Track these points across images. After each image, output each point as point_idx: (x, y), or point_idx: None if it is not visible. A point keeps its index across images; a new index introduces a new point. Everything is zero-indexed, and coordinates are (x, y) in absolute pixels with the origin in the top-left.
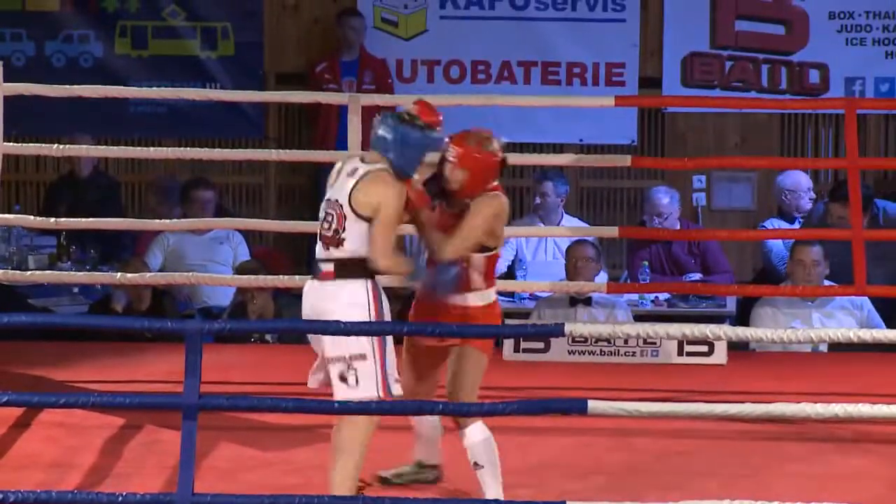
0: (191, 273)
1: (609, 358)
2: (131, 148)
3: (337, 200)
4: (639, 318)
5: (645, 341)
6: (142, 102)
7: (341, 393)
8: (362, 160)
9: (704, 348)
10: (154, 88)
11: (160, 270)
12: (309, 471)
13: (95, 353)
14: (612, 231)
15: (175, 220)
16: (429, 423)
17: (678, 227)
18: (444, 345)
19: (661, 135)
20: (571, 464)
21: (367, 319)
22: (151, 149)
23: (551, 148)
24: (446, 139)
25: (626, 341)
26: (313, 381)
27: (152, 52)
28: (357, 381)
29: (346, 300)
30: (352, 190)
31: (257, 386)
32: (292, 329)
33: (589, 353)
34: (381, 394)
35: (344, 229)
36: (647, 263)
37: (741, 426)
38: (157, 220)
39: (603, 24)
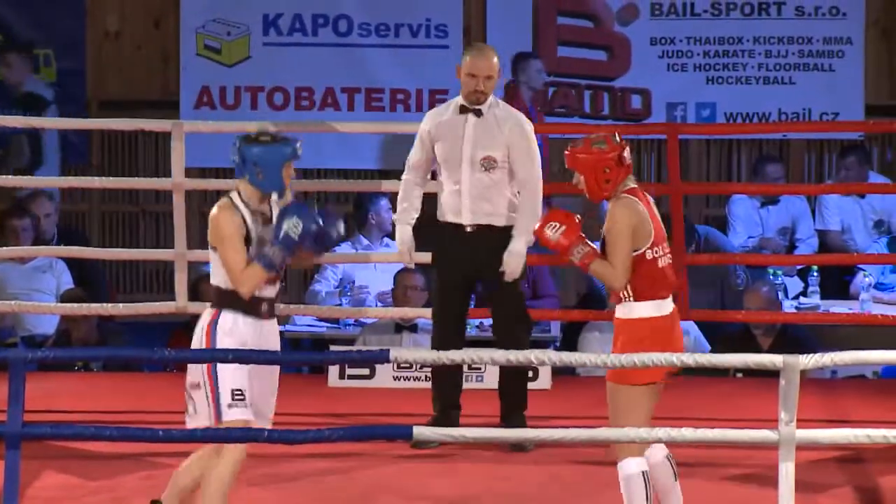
0: (14, 301)
1: None
2: None
3: None
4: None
5: (470, 367)
6: None
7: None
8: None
9: (529, 374)
10: None
11: None
12: (134, 499)
13: None
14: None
15: None
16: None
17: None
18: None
19: None
20: (397, 490)
21: (201, 346)
22: None
23: (376, 174)
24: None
25: None
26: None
27: None
28: (195, 409)
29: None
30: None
31: (82, 414)
32: (116, 357)
33: (414, 380)
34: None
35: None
36: None
37: (565, 451)
38: None
39: (426, 50)
